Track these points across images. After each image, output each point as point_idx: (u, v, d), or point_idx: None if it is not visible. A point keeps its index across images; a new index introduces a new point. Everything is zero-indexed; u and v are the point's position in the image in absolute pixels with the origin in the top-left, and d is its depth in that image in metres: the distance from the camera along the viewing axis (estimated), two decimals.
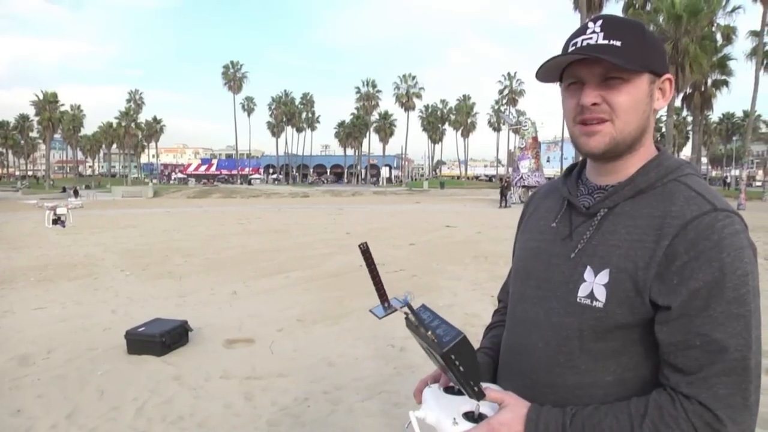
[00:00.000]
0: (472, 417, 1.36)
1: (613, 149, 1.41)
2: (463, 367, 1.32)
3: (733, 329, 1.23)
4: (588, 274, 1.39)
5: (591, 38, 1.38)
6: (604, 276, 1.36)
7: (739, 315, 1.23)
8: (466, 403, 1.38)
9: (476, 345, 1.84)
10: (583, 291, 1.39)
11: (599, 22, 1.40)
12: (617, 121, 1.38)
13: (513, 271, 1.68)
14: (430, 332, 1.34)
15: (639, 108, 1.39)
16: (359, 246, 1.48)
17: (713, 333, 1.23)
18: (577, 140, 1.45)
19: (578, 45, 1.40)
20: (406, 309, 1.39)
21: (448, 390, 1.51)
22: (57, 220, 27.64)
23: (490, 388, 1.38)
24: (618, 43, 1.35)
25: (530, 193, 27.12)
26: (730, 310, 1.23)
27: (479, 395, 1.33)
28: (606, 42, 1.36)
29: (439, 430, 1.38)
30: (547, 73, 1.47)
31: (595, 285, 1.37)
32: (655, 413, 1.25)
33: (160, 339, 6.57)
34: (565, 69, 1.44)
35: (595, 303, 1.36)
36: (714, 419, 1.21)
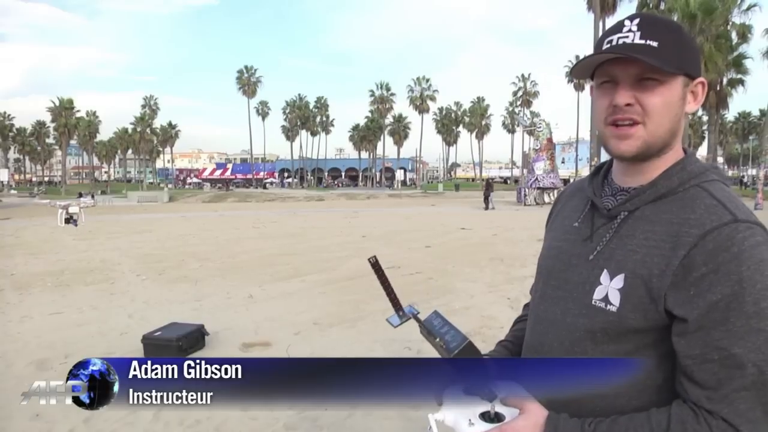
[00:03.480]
0: (488, 417, 1.36)
1: (644, 153, 1.39)
2: None
3: (752, 344, 1.21)
4: (604, 277, 1.39)
5: (627, 37, 1.36)
6: (619, 281, 1.35)
7: (760, 329, 1.21)
8: (483, 404, 1.38)
9: (493, 347, 1.84)
10: (598, 294, 1.39)
11: (636, 21, 1.38)
12: (649, 124, 1.36)
13: (537, 270, 1.68)
14: (438, 339, 1.41)
15: (672, 111, 1.37)
16: (369, 260, 1.53)
17: (732, 347, 1.22)
18: (608, 142, 1.43)
19: (614, 43, 1.38)
20: (420, 315, 1.48)
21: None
22: (69, 219, 27.74)
23: (513, 389, 1.38)
24: (655, 44, 1.33)
25: (545, 194, 27.08)
26: (750, 325, 1.21)
27: (490, 397, 1.35)
28: (642, 42, 1.34)
29: (456, 430, 1.38)
30: (581, 69, 1.46)
31: (610, 289, 1.37)
32: (678, 428, 1.24)
33: (177, 343, 6.59)
34: (597, 67, 1.42)
35: (609, 307, 1.36)
36: None
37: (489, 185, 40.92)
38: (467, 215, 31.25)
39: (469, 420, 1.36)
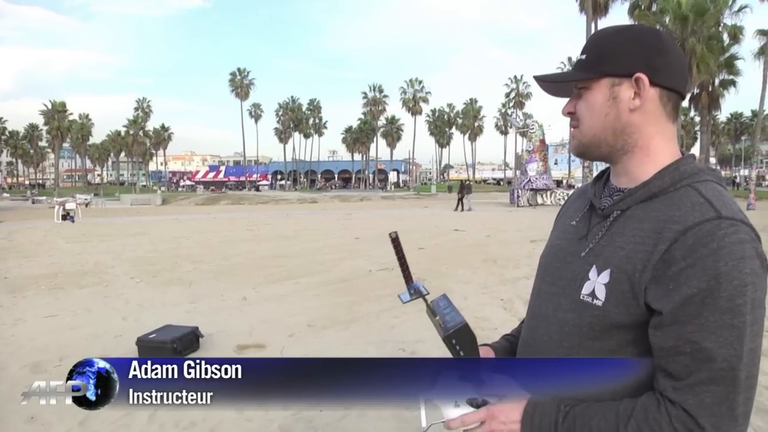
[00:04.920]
0: (474, 402, 1.42)
1: (585, 152, 1.54)
2: (463, 351, 1.44)
3: (724, 339, 1.23)
4: (592, 272, 1.43)
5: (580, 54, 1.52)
6: (605, 276, 1.39)
7: (732, 326, 1.23)
8: (472, 390, 1.43)
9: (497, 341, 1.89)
10: (586, 289, 1.43)
11: (590, 38, 1.54)
12: (581, 127, 1.51)
13: (537, 267, 1.74)
14: (438, 317, 1.51)
15: (598, 111, 1.47)
16: (389, 234, 1.63)
17: (703, 341, 1.24)
18: None
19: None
20: (428, 295, 1.58)
21: None
22: (66, 216, 27.58)
23: (501, 380, 1.43)
24: (583, 56, 1.49)
25: (538, 195, 27.21)
26: (722, 320, 1.23)
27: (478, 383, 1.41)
28: (580, 57, 1.50)
29: (443, 411, 1.45)
30: (559, 90, 1.60)
31: (597, 284, 1.41)
32: (640, 415, 1.28)
33: (172, 345, 6.60)
34: None
35: (595, 301, 1.40)
36: (696, 426, 1.23)
37: (463, 187, 40.52)
38: (460, 217, 31.26)
39: (455, 402, 1.43)
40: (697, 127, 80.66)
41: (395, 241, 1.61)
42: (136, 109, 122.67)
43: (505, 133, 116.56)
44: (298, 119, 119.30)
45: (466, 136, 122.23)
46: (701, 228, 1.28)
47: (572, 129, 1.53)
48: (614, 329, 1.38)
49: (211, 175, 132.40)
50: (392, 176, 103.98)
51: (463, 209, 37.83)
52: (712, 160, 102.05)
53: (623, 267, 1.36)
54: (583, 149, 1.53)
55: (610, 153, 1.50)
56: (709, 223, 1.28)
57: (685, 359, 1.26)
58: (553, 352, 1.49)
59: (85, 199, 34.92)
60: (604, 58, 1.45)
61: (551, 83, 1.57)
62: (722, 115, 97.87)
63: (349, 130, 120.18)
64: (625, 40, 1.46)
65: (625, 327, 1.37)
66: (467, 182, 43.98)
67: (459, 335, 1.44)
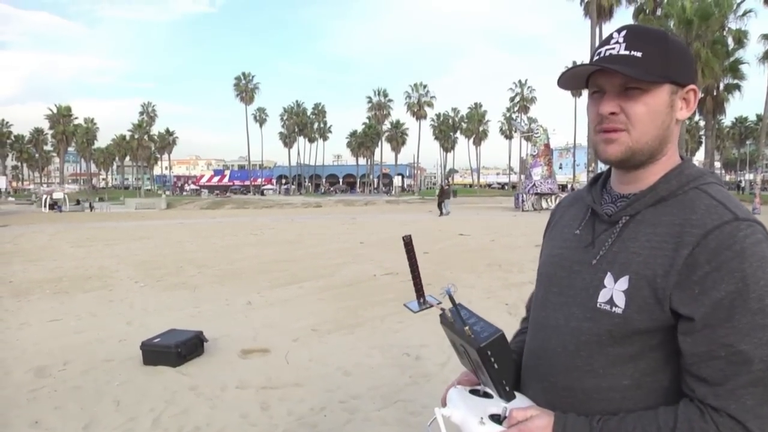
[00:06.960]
0: (498, 419, 1.37)
1: (630, 158, 1.42)
2: (497, 364, 1.34)
3: (759, 340, 1.22)
4: (608, 280, 1.40)
5: (614, 48, 1.40)
6: (623, 282, 1.36)
7: (765, 326, 1.22)
8: (493, 405, 1.39)
9: None
10: (603, 297, 1.40)
11: (623, 33, 1.41)
12: (633, 131, 1.39)
13: (537, 278, 1.70)
14: (467, 327, 1.39)
15: (657, 118, 1.39)
16: (403, 238, 1.53)
17: (738, 344, 1.23)
18: (597, 147, 1.46)
19: (602, 55, 1.41)
20: (442, 305, 1.46)
21: (474, 392, 1.51)
22: (54, 205, 27.61)
23: (516, 399, 1.38)
24: (638, 54, 1.36)
25: (543, 200, 26.98)
26: (755, 321, 1.22)
27: (509, 396, 1.34)
28: (627, 53, 1.37)
29: (464, 428, 1.38)
30: (569, 81, 1.50)
31: (614, 291, 1.38)
32: (684, 426, 1.25)
33: (176, 350, 6.58)
34: (590, 77, 1.45)
35: (614, 309, 1.37)
36: (744, 431, 1.22)
37: (444, 192, 40.20)
38: (464, 221, 31.19)
39: (480, 419, 1.36)
40: (702, 132, 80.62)
41: (408, 245, 1.51)
42: (141, 113, 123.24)
43: (509, 137, 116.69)
44: (302, 124, 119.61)
45: (471, 140, 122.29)
46: (722, 230, 1.27)
47: (612, 132, 1.41)
48: (636, 335, 1.36)
49: (215, 179, 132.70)
50: (397, 180, 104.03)
51: (441, 213, 37.60)
52: (717, 164, 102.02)
53: (642, 273, 1.34)
54: (629, 155, 1.42)
55: (647, 161, 1.44)
56: (728, 225, 1.28)
57: (720, 363, 1.25)
58: (570, 361, 1.46)
59: (72, 189, 35.13)
60: (670, 63, 1.39)
61: (571, 76, 1.48)
62: (727, 120, 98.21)
63: (353, 134, 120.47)
64: (682, 48, 1.43)
65: (648, 332, 1.35)
66: (447, 187, 43.85)
67: (495, 346, 1.35)
